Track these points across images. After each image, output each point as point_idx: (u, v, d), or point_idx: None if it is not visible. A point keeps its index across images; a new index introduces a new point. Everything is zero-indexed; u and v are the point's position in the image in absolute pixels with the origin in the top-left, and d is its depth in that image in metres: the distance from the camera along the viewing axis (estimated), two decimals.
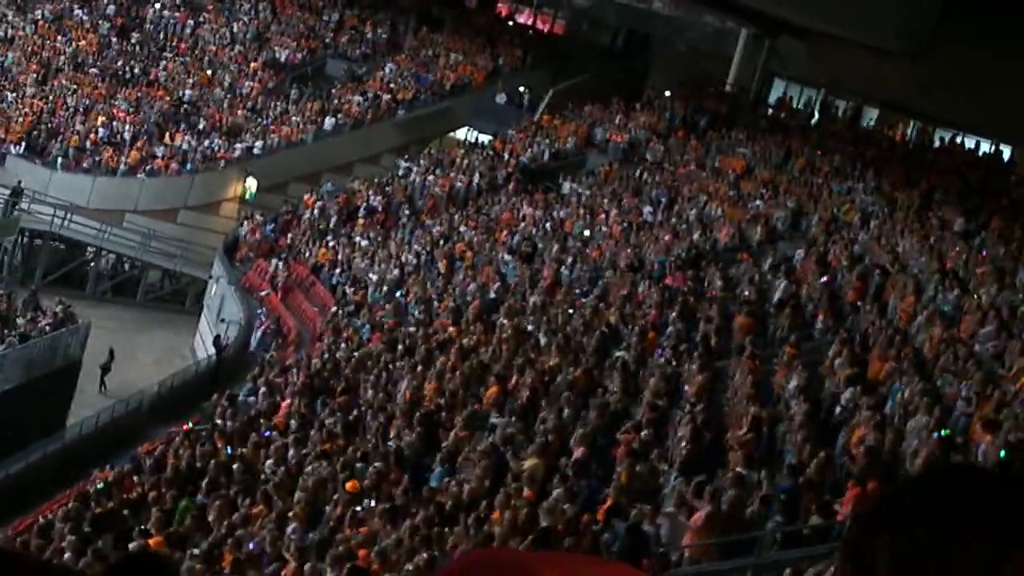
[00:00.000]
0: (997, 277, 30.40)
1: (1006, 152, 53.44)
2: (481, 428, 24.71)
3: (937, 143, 55.43)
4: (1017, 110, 47.47)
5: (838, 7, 45.90)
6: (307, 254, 48.45)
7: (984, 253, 34.69)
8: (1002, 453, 18.07)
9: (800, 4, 45.71)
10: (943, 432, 20.05)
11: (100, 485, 24.83)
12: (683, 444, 21.64)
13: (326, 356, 33.38)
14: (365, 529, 19.86)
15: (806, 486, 19.14)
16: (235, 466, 24.67)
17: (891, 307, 30.42)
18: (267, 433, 26.93)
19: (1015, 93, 47.22)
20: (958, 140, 54.51)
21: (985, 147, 53.89)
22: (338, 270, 45.54)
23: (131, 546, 19.93)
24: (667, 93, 60.77)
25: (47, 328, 38.35)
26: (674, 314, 31.62)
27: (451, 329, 33.67)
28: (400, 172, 55.64)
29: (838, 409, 23.21)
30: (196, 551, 19.42)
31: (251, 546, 19.78)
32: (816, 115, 59.62)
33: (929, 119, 56.98)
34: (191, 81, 65.11)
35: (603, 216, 45.84)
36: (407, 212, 50.77)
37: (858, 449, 20.07)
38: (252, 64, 66.47)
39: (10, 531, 25.48)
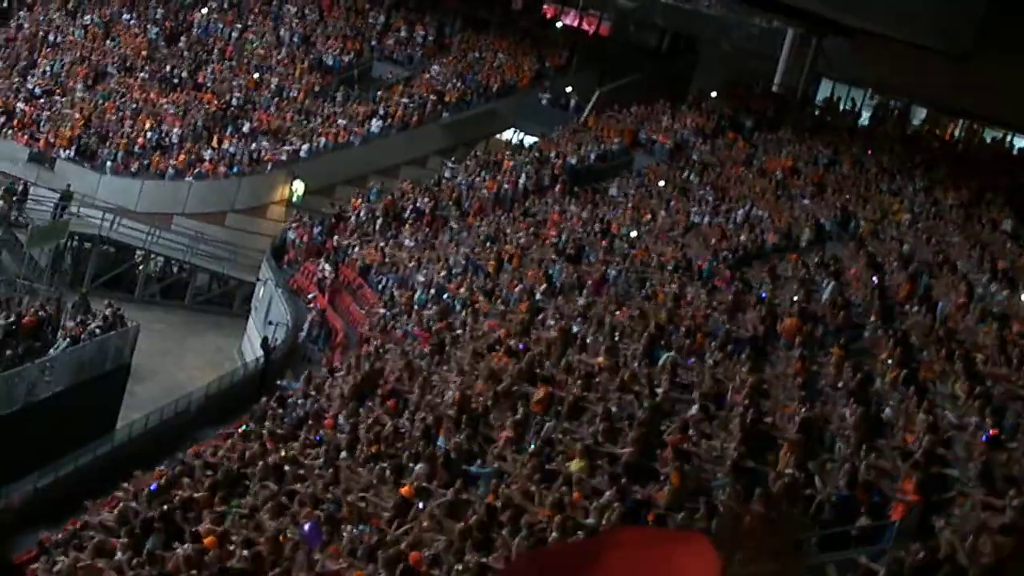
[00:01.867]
0: None
1: None
2: (529, 430, 24.69)
3: (987, 142, 55.18)
4: None
5: (885, 7, 45.69)
6: (354, 256, 48.53)
7: None
8: None
9: (847, 4, 45.49)
10: (993, 433, 19.92)
11: (152, 487, 24.93)
12: (732, 444, 21.57)
13: (373, 358, 33.41)
14: (415, 531, 19.87)
15: (856, 486, 19.04)
16: (285, 468, 24.74)
17: (941, 307, 30.26)
18: (318, 438, 26.97)
19: None
20: (1007, 140, 54.24)
21: None
22: (385, 272, 45.59)
23: (181, 548, 20.01)
24: (713, 94, 60.65)
25: (96, 331, 38.49)
26: (722, 315, 31.52)
27: (499, 331, 33.65)
28: (447, 174, 55.71)
29: (888, 410, 23.09)
30: (246, 552, 19.48)
31: (306, 528, 19.81)
32: (863, 115, 59.39)
33: (977, 119, 56.69)
34: (238, 85, 65.36)
35: (650, 217, 45.76)
36: (454, 214, 50.81)
37: (909, 449, 19.97)
38: (299, 67, 66.69)
39: (62, 532, 25.61)
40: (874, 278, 33.48)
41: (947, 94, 54.65)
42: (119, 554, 20.18)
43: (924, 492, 17.90)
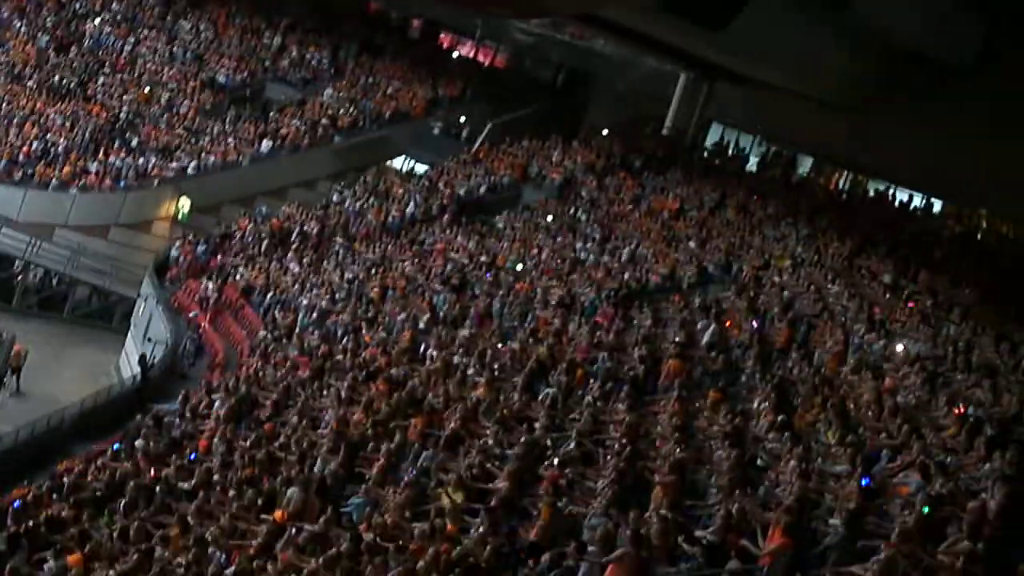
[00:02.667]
0: (923, 329, 30.73)
1: (936, 206, 54.05)
2: (405, 459, 24.64)
3: (870, 194, 56.04)
4: (949, 165, 48.13)
5: (777, 58, 46.27)
6: (238, 277, 48.20)
7: (912, 304, 35.06)
8: (925, 509, 18.18)
9: (737, 52, 45.99)
10: (868, 481, 20.16)
11: (15, 504, 24.52)
12: (607, 483, 21.64)
13: (252, 380, 33.19)
14: (285, 557, 19.73)
15: (728, 530, 19.17)
16: (156, 488, 24.48)
17: (818, 355, 30.63)
18: (191, 456, 26.74)
19: (947, 148, 47.88)
20: (890, 192, 55.12)
21: (917, 201, 54.51)
22: (269, 294, 45.32)
23: (47, 565, 19.73)
24: (604, 132, 61.05)
25: None
26: (604, 352, 31.66)
27: (380, 359, 33.57)
28: (335, 198, 55.54)
29: (762, 455, 23.28)
30: (112, 572, 19.25)
31: None
32: (751, 160, 60.08)
33: (863, 171, 57.56)
34: (128, 98, 64.70)
35: (536, 251, 45.93)
36: (341, 239, 50.64)
37: (781, 495, 20.14)
38: (191, 84, 66.18)
39: None
40: (754, 323, 33.82)
41: (834, 145, 55.45)
42: None
43: (793, 538, 18.04)
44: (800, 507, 18.94)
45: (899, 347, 29.93)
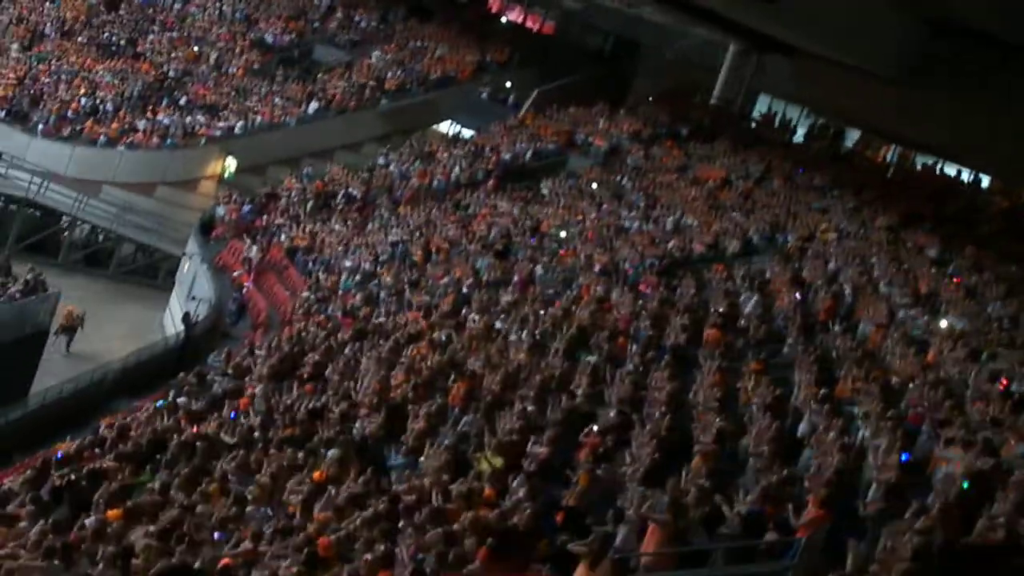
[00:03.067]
0: (968, 304, 30.56)
1: (984, 181, 53.65)
2: (445, 423, 24.69)
3: (917, 168, 55.68)
4: (996, 139, 47.73)
5: (827, 29, 46.00)
6: (283, 237, 48.33)
7: (957, 279, 34.87)
8: (964, 484, 18.09)
9: (789, 23, 45.75)
10: (905, 456, 20.09)
11: (58, 456, 24.69)
12: (646, 451, 21.64)
13: (295, 340, 33.29)
14: (323, 517, 19.80)
15: (765, 501, 19.14)
16: (197, 444, 24.59)
17: (861, 328, 30.51)
18: (232, 415, 26.83)
19: (995, 122, 47.47)
20: (938, 167, 54.75)
21: (964, 176, 54.12)
22: (313, 255, 45.43)
23: (88, 520, 19.82)
24: (651, 100, 60.85)
25: (16, 294, 38.12)
26: (645, 321, 31.63)
27: (422, 322, 33.61)
28: (381, 161, 55.57)
29: (802, 427, 23.24)
30: (152, 527, 19.34)
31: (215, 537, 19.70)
32: (798, 132, 59.78)
33: (910, 144, 57.17)
34: (176, 57, 64.88)
35: (580, 218, 45.84)
36: (385, 202, 50.69)
37: (820, 468, 20.10)
38: (239, 43, 66.27)
39: None
40: (797, 294, 33.70)
41: (882, 118, 55.08)
42: (23, 522, 19.98)
43: (831, 511, 18.00)
44: (839, 480, 18.90)
45: (943, 322, 29.79)
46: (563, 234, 44.10)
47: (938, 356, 26.96)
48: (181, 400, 28.91)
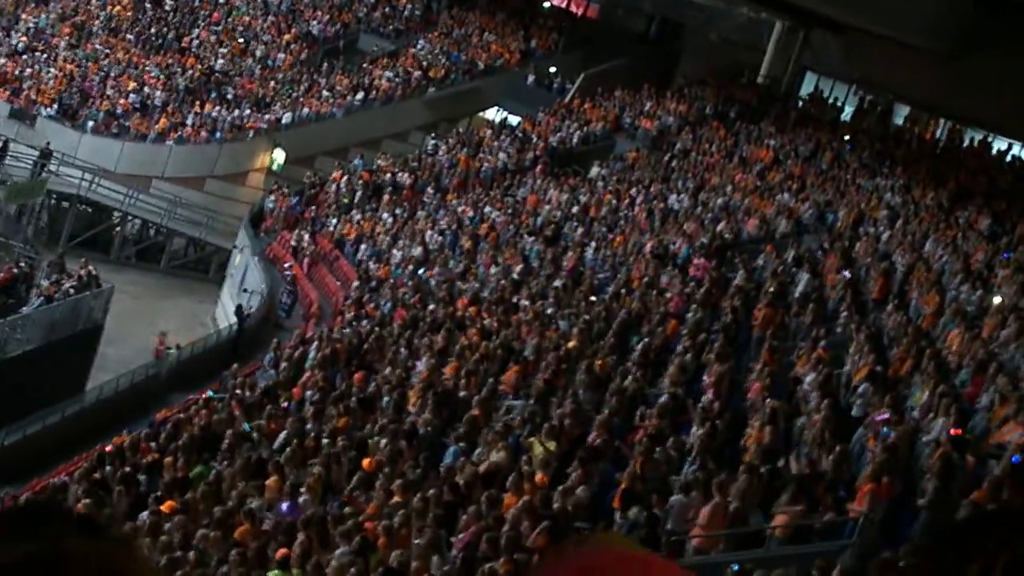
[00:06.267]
0: (1021, 280, 30.30)
1: None
2: (498, 409, 24.73)
3: (967, 143, 55.25)
4: None
5: (873, 3, 45.74)
6: (332, 228, 48.51)
7: (1009, 255, 34.58)
8: (1015, 458, 17.97)
9: None
10: (959, 433, 19.98)
11: (114, 448, 24.93)
12: (699, 433, 21.62)
13: (347, 331, 33.40)
14: (375, 505, 19.89)
15: (821, 480, 19.11)
16: (252, 436, 24.74)
17: (914, 305, 30.35)
18: (285, 406, 26.98)
19: None
20: (988, 141, 54.31)
21: (1016, 150, 53.66)
22: (362, 245, 45.56)
23: (143, 514, 19.99)
24: (698, 81, 60.70)
25: (71, 291, 38.41)
26: (696, 303, 31.57)
27: (472, 309, 33.67)
28: (428, 149, 55.65)
29: (856, 405, 23.15)
30: (208, 519, 19.49)
31: (283, 508, 19.87)
32: (846, 110, 59.46)
33: (960, 119, 56.75)
34: (223, 51, 65.17)
35: (629, 202, 45.77)
36: (433, 190, 50.77)
37: (875, 446, 20.02)
38: (285, 36, 66.49)
39: (26, 491, 25.60)
40: (847, 273, 33.53)
41: (931, 94, 54.70)
42: None
43: (887, 487, 17.95)
44: (893, 457, 18.83)
45: (996, 298, 29.57)
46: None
47: (992, 332, 26.77)
48: (235, 392, 29.09)
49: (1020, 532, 1.98)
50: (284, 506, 20.14)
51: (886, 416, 20.82)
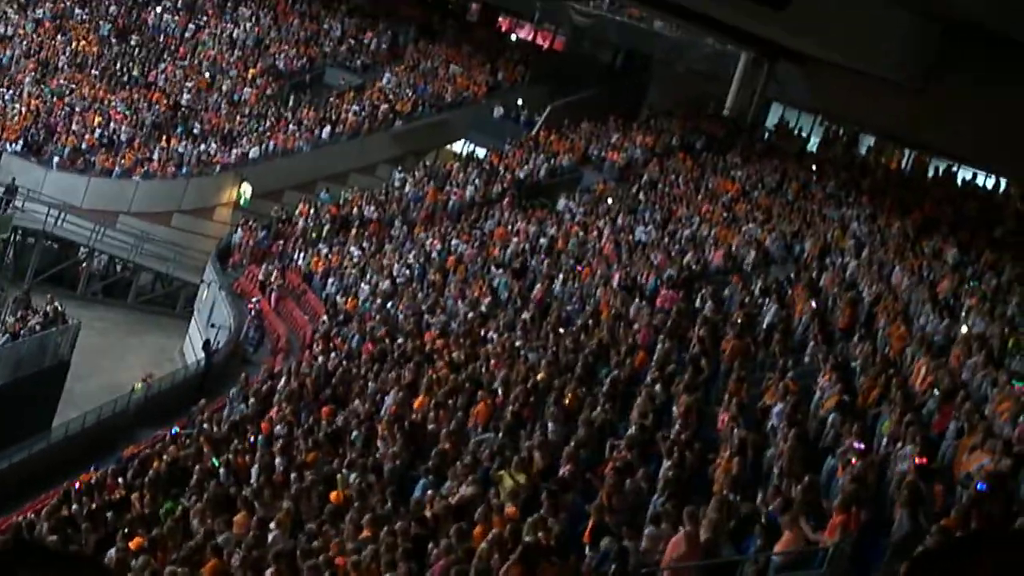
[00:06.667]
0: (987, 309, 30.44)
1: (1001, 185, 53.47)
2: (467, 442, 24.69)
3: (932, 173, 55.50)
4: (1012, 143, 47.55)
5: (838, 35, 45.97)
6: (300, 262, 48.46)
7: (976, 284, 34.72)
8: (980, 485, 18.01)
9: (800, 31, 45.74)
10: (925, 462, 20.01)
11: (75, 487, 24.80)
12: (668, 465, 21.61)
13: (315, 365, 33.34)
14: (344, 539, 19.81)
15: (789, 511, 19.09)
16: (220, 471, 24.64)
17: (881, 336, 30.44)
18: (252, 440, 26.88)
19: (1010, 125, 47.29)
20: (953, 171, 54.59)
21: (980, 179, 53.96)
22: (330, 279, 45.53)
23: (111, 551, 19.87)
24: (665, 113, 60.90)
25: (37, 327, 38.27)
26: (664, 335, 31.61)
27: (440, 342, 33.64)
28: (395, 183, 55.68)
29: (825, 435, 23.19)
30: (176, 555, 19.38)
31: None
32: (812, 140, 59.72)
33: (925, 149, 57.03)
34: (189, 85, 65.12)
35: (596, 234, 45.84)
36: (401, 223, 50.77)
37: (843, 477, 20.04)
38: (251, 70, 66.49)
39: None
40: (813, 303, 33.63)
41: (896, 123, 54.96)
42: None
43: (855, 517, 17.96)
44: (862, 488, 18.85)
45: (963, 328, 29.68)
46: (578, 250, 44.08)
47: (959, 361, 26.86)
48: (202, 428, 29.00)
49: (991, 556, 1.99)
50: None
51: (861, 447, 20.84)
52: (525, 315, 35.83)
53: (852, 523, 17.73)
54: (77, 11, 70.11)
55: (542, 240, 45.45)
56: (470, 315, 36.59)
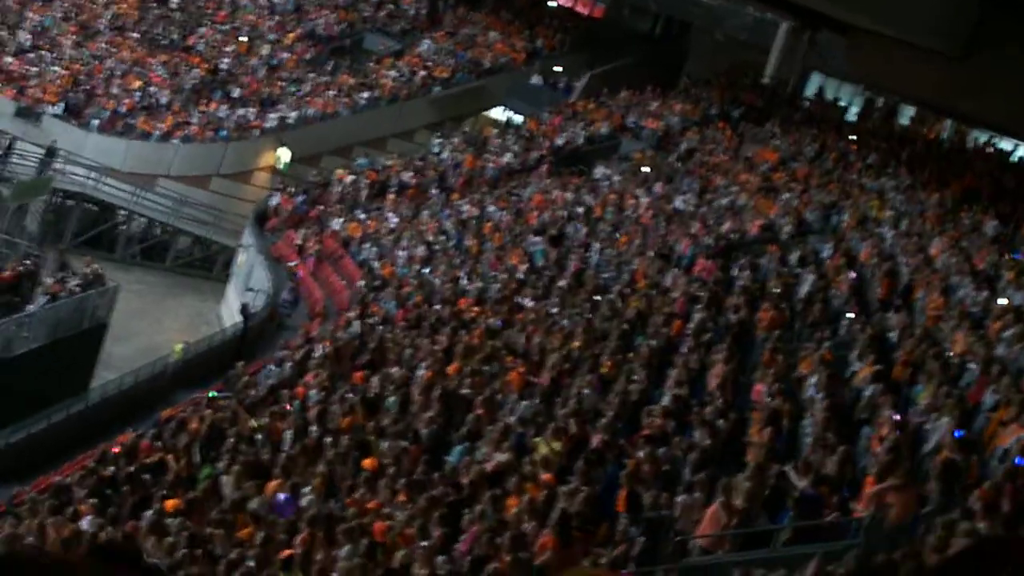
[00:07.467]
0: None
1: None
2: (502, 409, 24.72)
3: (972, 144, 55.16)
4: None
5: (879, 4, 45.67)
6: (337, 227, 48.52)
7: (1018, 256, 34.53)
8: (1018, 459, 17.97)
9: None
10: (962, 433, 19.98)
11: (115, 449, 24.95)
12: (704, 434, 21.62)
13: (351, 330, 33.40)
14: (377, 504, 19.89)
15: (824, 481, 19.09)
16: (256, 436, 24.76)
17: (918, 306, 30.31)
18: (288, 406, 26.98)
19: None
20: (993, 142, 54.22)
21: (1021, 151, 53.56)
22: (367, 244, 45.57)
23: (147, 512, 19.99)
24: (704, 81, 60.66)
25: (75, 289, 38.43)
26: (701, 304, 31.55)
27: (476, 309, 33.66)
28: (433, 149, 55.66)
29: (860, 406, 23.14)
30: (212, 516, 19.50)
31: (280, 498, 19.89)
32: (851, 111, 59.41)
33: (965, 120, 56.63)
34: (228, 50, 65.19)
35: (634, 202, 45.74)
36: (438, 190, 50.77)
37: (879, 447, 20.01)
38: (290, 35, 66.51)
39: (30, 490, 25.61)
40: (852, 274, 33.51)
41: (937, 94, 54.56)
42: (86, 516, 20.16)
43: (891, 487, 17.94)
44: (896, 458, 18.82)
45: (1002, 300, 29.53)
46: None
47: (997, 334, 26.73)
48: (238, 392, 29.11)
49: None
50: (281, 497, 20.14)
51: (897, 418, 20.80)
52: (561, 282, 35.80)
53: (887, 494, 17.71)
54: None
55: (579, 208, 45.36)
56: (506, 282, 36.57)
